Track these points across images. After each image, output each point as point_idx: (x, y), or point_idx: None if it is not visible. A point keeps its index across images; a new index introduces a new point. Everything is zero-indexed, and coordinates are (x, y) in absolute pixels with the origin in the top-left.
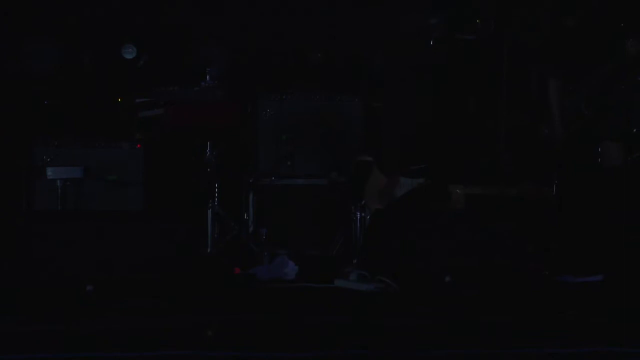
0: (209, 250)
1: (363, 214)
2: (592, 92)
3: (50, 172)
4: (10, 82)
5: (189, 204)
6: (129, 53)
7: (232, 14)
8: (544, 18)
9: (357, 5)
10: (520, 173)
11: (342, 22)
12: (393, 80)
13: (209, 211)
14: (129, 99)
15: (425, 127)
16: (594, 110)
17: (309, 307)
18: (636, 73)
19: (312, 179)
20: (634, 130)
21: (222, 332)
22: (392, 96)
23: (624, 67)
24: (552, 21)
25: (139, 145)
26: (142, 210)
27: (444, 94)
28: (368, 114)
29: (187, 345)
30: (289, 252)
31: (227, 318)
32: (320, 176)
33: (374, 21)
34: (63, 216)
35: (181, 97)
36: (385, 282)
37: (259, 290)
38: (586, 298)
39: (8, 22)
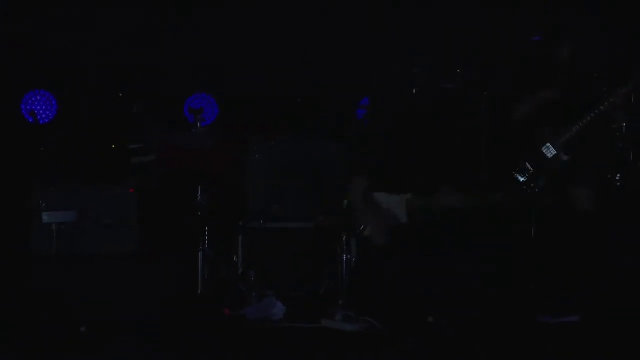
0: (199, 291)
1: (349, 256)
2: (570, 138)
3: (45, 217)
4: (8, 129)
5: (180, 246)
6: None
7: (222, 62)
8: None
9: (343, 53)
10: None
11: (329, 69)
12: (378, 126)
13: (200, 253)
14: (122, 145)
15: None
16: (571, 156)
17: (296, 347)
18: (612, 121)
19: (299, 222)
20: (608, 176)
21: None
22: (377, 141)
23: (603, 116)
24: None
25: (131, 190)
26: (134, 253)
27: (428, 138)
28: (354, 157)
29: None
30: (277, 293)
31: (217, 357)
32: (307, 219)
33: (360, 68)
34: (58, 259)
35: (173, 142)
36: (370, 322)
37: (248, 330)
38: (564, 338)
39: (9, 75)
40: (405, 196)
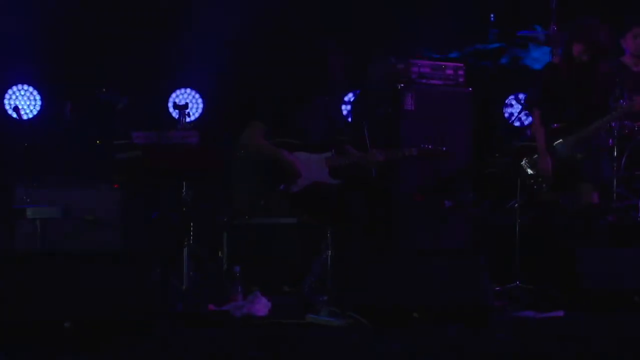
0: (184, 287)
1: (333, 252)
2: (585, 137)
3: (29, 212)
4: None
5: (165, 243)
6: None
7: (206, 58)
8: None
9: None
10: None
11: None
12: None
13: (185, 249)
14: (107, 141)
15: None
16: (585, 155)
17: (282, 342)
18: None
19: (284, 218)
20: (606, 175)
21: None
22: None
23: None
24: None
25: (116, 186)
26: (119, 248)
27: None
28: None
29: None
30: (262, 289)
31: (201, 353)
32: (292, 215)
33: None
34: (42, 255)
35: (158, 139)
36: (355, 318)
37: (233, 326)
38: (549, 333)
39: None
40: (324, 155)
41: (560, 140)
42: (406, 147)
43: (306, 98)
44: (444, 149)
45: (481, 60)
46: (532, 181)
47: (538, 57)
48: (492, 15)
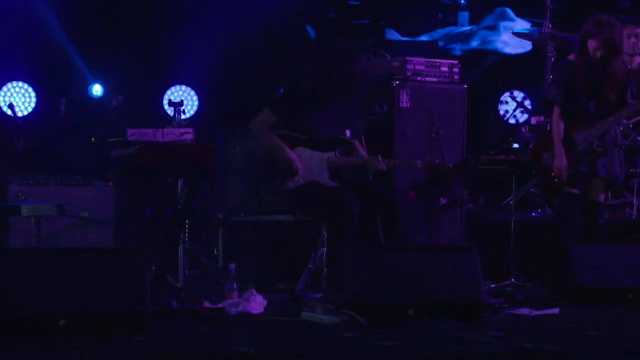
0: (179, 285)
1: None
2: (600, 134)
3: (24, 210)
4: None
5: (160, 240)
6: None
7: (201, 55)
8: None
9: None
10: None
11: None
12: None
13: (180, 246)
14: (101, 139)
15: None
16: (603, 148)
17: (277, 340)
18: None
19: (279, 216)
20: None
21: None
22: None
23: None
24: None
25: (111, 183)
26: (113, 246)
27: None
28: None
29: None
30: (257, 286)
31: (197, 351)
32: (287, 212)
33: None
34: (37, 252)
35: (153, 137)
36: (350, 315)
37: (228, 323)
38: (543, 330)
39: None
40: (327, 155)
41: (581, 133)
42: (411, 159)
43: (325, 100)
44: (451, 165)
45: (451, 43)
46: (552, 174)
47: (508, 40)
48: None
